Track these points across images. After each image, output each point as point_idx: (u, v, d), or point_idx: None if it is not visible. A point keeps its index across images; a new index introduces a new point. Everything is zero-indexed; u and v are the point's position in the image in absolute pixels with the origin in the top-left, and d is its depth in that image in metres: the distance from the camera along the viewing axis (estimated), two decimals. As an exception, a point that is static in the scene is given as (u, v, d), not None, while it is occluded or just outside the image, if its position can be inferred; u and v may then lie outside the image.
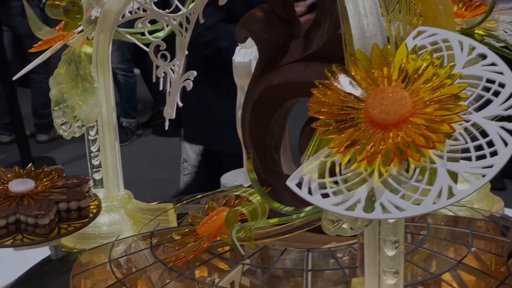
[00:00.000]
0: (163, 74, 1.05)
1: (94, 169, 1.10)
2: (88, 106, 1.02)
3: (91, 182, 1.06)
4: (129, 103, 4.95)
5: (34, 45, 1.03)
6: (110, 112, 1.07)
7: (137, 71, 5.36)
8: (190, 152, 2.68)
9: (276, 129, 1.01)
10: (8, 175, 1.05)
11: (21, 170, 1.06)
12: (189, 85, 1.05)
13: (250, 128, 0.99)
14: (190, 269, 0.93)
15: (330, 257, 0.94)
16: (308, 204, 0.80)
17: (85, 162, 1.12)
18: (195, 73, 1.05)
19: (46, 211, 0.97)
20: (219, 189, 1.13)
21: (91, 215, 1.03)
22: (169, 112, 1.07)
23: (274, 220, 0.74)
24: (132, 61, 4.93)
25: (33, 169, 1.06)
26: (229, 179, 1.36)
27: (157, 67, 1.05)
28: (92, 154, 1.10)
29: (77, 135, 1.04)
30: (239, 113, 1.19)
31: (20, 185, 1.02)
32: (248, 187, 0.93)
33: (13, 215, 0.97)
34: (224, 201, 0.86)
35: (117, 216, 1.09)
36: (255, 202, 0.79)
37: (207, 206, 0.87)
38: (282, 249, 0.94)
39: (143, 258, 1.00)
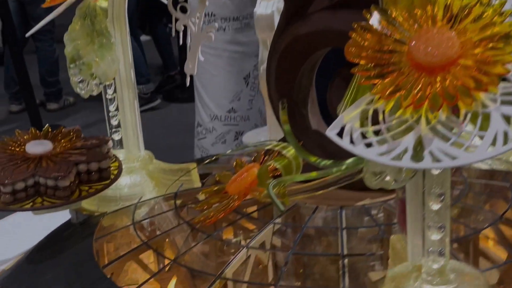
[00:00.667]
0: (182, 28, 1.01)
1: (113, 130, 1.07)
2: (105, 63, 0.98)
3: (110, 143, 1.03)
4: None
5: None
6: (128, 69, 1.03)
7: (144, 38, 5.30)
8: (205, 116, 2.65)
9: (303, 82, 0.97)
10: (25, 137, 1.01)
11: (37, 132, 1.03)
12: (211, 39, 1.00)
13: (276, 82, 0.95)
14: (218, 230, 0.89)
15: (364, 215, 0.90)
16: (341, 158, 0.76)
17: (96, 130, 1.09)
18: (216, 25, 1.01)
19: (66, 172, 0.94)
20: (243, 145, 1.10)
21: (112, 176, 0.99)
22: (190, 68, 1.02)
23: (313, 174, 0.70)
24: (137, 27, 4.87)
25: (50, 130, 1.03)
26: (252, 138, 1.32)
27: (176, 20, 1.01)
28: (110, 114, 1.06)
29: (95, 93, 1.00)
30: (261, 68, 1.14)
31: (37, 147, 0.99)
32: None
33: (31, 177, 0.94)
34: (252, 158, 0.82)
35: (138, 178, 1.06)
36: (288, 156, 0.75)
37: (234, 163, 0.84)
38: (313, 207, 0.90)
39: (167, 220, 0.97)
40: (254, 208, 0.96)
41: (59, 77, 4.75)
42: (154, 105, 4.76)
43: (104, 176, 0.99)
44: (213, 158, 1.13)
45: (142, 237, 0.92)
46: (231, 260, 0.82)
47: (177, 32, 1.02)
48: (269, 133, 1.20)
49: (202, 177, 1.09)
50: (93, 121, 4.45)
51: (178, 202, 0.98)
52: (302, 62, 0.94)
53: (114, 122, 1.06)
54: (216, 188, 0.82)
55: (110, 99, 1.06)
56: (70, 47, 1.00)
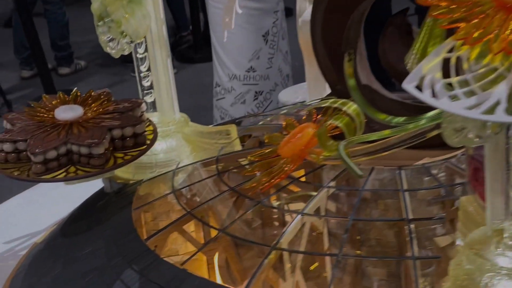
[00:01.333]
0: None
1: (145, 91, 1.01)
2: (136, 19, 0.92)
3: (144, 106, 0.97)
4: None
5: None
6: (160, 26, 0.97)
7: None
8: (223, 76, 2.59)
9: (351, 34, 0.90)
10: (53, 102, 0.95)
11: (66, 96, 0.97)
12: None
13: (323, 34, 0.89)
14: (266, 197, 0.83)
15: (424, 175, 0.84)
16: (395, 114, 0.70)
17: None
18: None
19: (100, 139, 0.88)
20: (289, 105, 1.04)
21: (147, 142, 0.94)
22: (227, 22, 0.96)
23: (387, 132, 0.64)
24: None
25: (79, 94, 0.97)
26: (288, 96, 1.26)
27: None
28: (142, 75, 1.00)
29: (126, 52, 0.94)
30: (299, 20, 1.08)
31: (67, 112, 0.93)
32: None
33: (63, 145, 0.89)
34: (304, 117, 0.76)
35: (174, 142, 1.00)
36: (350, 113, 0.69)
37: (284, 123, 0.78)
38: (368, 169, 0.84)
39: (207, 188, 0.91)
40: (301, 172, 0.90)
41: (69, 41, 4.67)
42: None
43: (139, 142, 0.93)
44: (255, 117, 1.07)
45: (184, 206, 0.86)
46: (286, 229, 0.76)
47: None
48: (308, 91, 1.14)
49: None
50: (106, 85, 4.39)
51: (220, 167, 0.92)
52: (350, 12, 0.87)
53: (146, 83, 1.00)
54: (266, 151, 0.76)
55: (141, 59, 1.00)
56: (97, 3, 0.93)
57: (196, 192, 0.91)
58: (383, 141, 0.71)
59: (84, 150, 0.89)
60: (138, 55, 0.99)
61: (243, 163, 0.94)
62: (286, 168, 0.72)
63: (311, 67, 1.12)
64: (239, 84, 2.88)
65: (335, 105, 0.70)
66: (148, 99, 1.02)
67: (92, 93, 0.97)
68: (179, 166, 0.97)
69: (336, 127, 0.70)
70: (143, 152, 0.92)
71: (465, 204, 0.72)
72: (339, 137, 0.70)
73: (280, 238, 0.75)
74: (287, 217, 0.85)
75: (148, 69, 1.00)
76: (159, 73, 0.98)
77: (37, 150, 0.87)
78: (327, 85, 1.16)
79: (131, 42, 0.93)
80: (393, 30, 0.86)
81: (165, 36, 0.98)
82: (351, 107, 0.69)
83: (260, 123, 1.07)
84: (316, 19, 0.89)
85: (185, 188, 0.91)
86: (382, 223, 0.85)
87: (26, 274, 0.93)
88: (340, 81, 0.91)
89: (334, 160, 0.70)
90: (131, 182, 0.98)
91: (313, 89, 1.14)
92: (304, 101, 1.18)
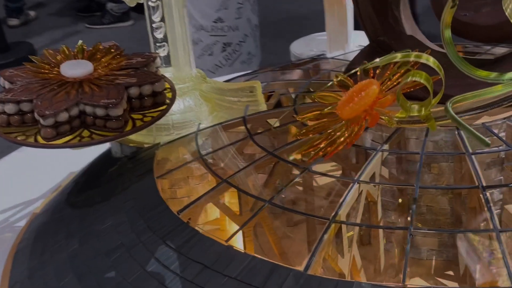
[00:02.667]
0: None
1: (158, 44, 0.91)
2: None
3: (158, 60, 0.88)
4: None
5: None
6: (176, -32, 0.87)
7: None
8: (189, 26, 2.48)
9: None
10: (57, 57, 0.86)
11: (71, 50, 0.87)
12: None
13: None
14: (313, 163, 0.76)
15: (484, 134, 0.77)
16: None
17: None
18: None
19: (118, 99, 0.79)
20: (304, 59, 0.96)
21: (167, 101, 0.85)
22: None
23: (498, 88, 0.57)
24: None
25: (85, 47, 0.87)
26: (301, 47, 1.18)
27: None
28: (154, 25, 0.91)
29: (135, 1, 0.84)
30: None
31: (75, 68, 0.84)
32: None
33: (75, 106, 0.79)
34: (371, 72, 0.68)
35: (191, 101, 0.92)
36: (432, 66, 0.61)
37: (336, 81, 0.70)
38: (423, 130, 0.77)
39: (237, 153, 0.83)
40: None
41: None
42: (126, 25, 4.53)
43: (158, 101, 0.84)
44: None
45: (217, 174, 0.78)
46: (344, 199, 0.69)
47: None
48: (328, 43, 1.06)
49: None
50: (59, 37, 4.24)
51: (250, 128, 0.85)
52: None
53: (158, 35, 0.91)
54: (320, 111, 0.68)
55: (153, 7, 0.90)
56: None
57: (226, 157, 0.83)
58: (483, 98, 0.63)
59: (100, 112, 0.80)
60: (150, 3, 0.90)
61: (273, 124, 0.86)
62: (354, 132, 0.64)
63: (332, 19, 1.05)
64: (206, 35, 2.80)
65: (411, 59, 0.62)
66: (162, 52, 0.93)
67: (101, 47, 0.88)
68: (200, 127, 0.88)
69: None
70: (164, 113, 0.84)
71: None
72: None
73: (339, 210, 0.68)
74: (337, 185, 0.78)
75: (162, 20, 0.90)
76: (175, 24, 0.89)
77: (47, 112, 0.78)
78: (349, 37, 1.09)
79: (146, -12, 0.84)
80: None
81: (180, -19, 0.88)
82: (430, 60, 0.61)
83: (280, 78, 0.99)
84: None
85: (213, 153, 0.83)
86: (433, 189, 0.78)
87: (32, 250, 0.84)
88: (385, 31, 0.84)
89: (410, 122, 0.63)
90: (145, 145, 0.90)
91: (333, 41, 1.06)
92: (322, 54, 1.10)
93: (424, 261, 0.79)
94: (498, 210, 0.78)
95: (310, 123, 0.71)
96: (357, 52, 1.08)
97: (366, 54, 0.86)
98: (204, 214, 0.79)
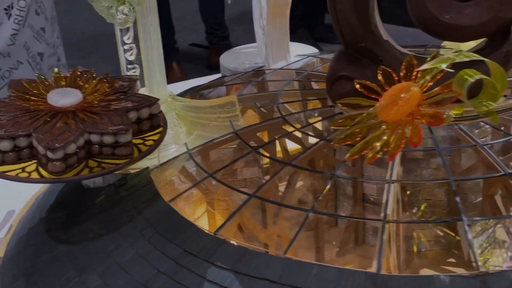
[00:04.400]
0: None
1: (129, 66, 0.90)
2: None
3: (138, 83, 0.87)
4: None
5: None
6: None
7: None
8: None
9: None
10: (40, 88, 0.82)
11: (47, 79, 0.84)
12: None
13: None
14: (338, 168, 0.79)
15: (474, 127, 0.84)
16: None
17: None
18: None
19: (126, 124, 0.77)
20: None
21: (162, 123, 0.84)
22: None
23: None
24: None
25: (62, 75, 0.84)
26: (232, 61, 1.19)
27: None
28: (125, 47, 0.89)
29: (130, 22, 0.82)
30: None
31: (65, 97, 0.81)
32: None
33: (80, 136, 0.76)
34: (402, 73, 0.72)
35: (169, 123, 0.90)
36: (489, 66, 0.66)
37: (358, 85, 0.73)
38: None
39: (248, 166, 0.84)
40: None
41: None
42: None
43: (154, 124, 0.83)
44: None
45: (242, 190, 0.79)
46: (387, 200, 0.72)
47: None
48: (269, 54, 1.09)
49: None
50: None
51: (252, 142, 0.86)
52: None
53: (130, 57, 0.89)
54: (364, 115, 0.72)
55: (125, 29, 0.88)
56: (84, -35, 0.81)
57: (238, 172, 0.83)
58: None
59: (108, 139, 0.77)
60: (118, 21, 0.88)
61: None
62: (394, 136, 0.68)
63: (274, 30, 1.08)
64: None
65: (451, 55, 0.66)
66: (132, 74, 0.91)
67: (79, 72, 0.85)
68: (192, 148, 0.88)
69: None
70: (163, 135, 0.83)
71: None
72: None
73: (386, 210, 0.71)
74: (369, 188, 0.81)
75: (133, 40, 0.89)
76: (152, 43, 0.88)
77: (57, 145, 0.74)
78: (292, 47, 1.13)
79: (132, 9, 0.82)
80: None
81: (155, 1, 0.88)
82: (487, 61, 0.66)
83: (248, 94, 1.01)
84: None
85: (223, 169, 0.83)
86: (431, 183, 0.84)
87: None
88: (369, 38, 0.88)
89: (468, 118, 0.68)
90: (132, 171, 0.88)
91: (275, 52, 1.09)
92: (262, 66, 1.13)
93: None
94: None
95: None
96: (300, 61, 1.12)
97: (346, 60, 0.89)
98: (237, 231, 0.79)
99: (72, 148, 0.76)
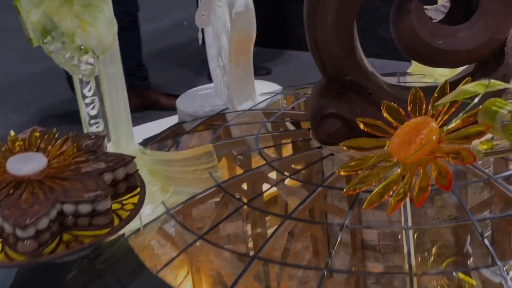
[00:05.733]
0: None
1: (91, 122, 0.80)
2: (98, 27, 0.73)
3: (106, 140, 0.77)
4: None
5: None
6: (112, 33, 0.77)
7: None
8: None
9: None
10: (-4, 155, 0.72)
11: (4, 145, 0.74)
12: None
13: (339, 18, 0.78)
14: (344, 216, 0.71)
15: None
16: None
17: None
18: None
19: (103, 189, 0.68)
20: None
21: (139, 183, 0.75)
22: (203, 19, 0.79)
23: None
24: None
25: (18, 137, 0.74)
26: (191, 105, 1.10)
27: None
28: (86, 101, 0.79)
29: (96, 72, 0.73)
30: (233, 12, 0.94)
31: (27, 163, 0.71)
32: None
33: (52, 207, 0.66)
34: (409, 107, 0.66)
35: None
36: None
37: (364, 125, 0.66)
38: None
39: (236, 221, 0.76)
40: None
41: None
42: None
43: (130, 185, 0.74)
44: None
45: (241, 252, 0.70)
46: (409, 248, 0.65)
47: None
48: (233, 92, 1.01)
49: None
50: None
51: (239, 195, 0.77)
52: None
53: (92, 111, 0.80)
54: (379, 157, 0.64)
55: (85, 81, 0.79)
56: (37, 15, 0.72)
57: (221, 227, 0.75)
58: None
59: (84, 208, 0.68)
60: (80, 76, 0.78)
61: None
62: (412, 177, 0.61)
63: (237, 69, 1.00)
64: None
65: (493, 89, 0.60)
66: (93, 130, 0.81)
67: (37, 133, 0.75)
68: (173, 209, 0.79)
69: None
70: (143, 197, 0.73)
71: None
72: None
73: (409, 260, 0.64)
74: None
75: (94, 93, 0.80)
76: (118, 94, 0.79)
77: (28, 221, 0.64)
78: (257, 85, 1.05)
79: (96, 57, 0.73)
80: (418, 4, 0.78)
81: (117, 46, 0.79)
82: None
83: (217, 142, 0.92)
84: (328, 5, 0.78)
85: (211, 231, 0.74)
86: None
87: None
88: (355, 71, 0.81)
89: (497, 152, 0.61)
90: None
91: (239, 92, 1.01)
92: (225, 108, 1.04)
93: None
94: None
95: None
96: (266, 100, 1.05)
97: (331, 96, 0.82)
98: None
99: (44, 222, 0.66)
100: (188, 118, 1.07)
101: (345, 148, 0.68)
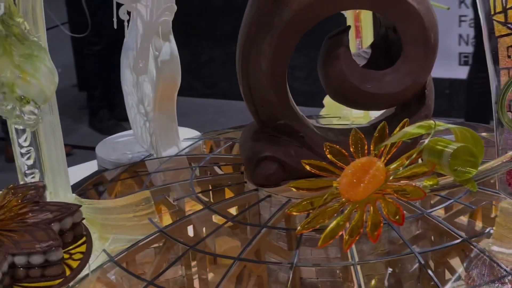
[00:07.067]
0: (127, 17, 0.78)
1: (27, 172, 0.79)
2: (39, 77, 0.73)
3: (46, 190, 0.77)
4: None
5: None
6: (53, 83, 0.77)
7: None
8: None
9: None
10: None
11: None
12: (168, 26, 0.80)
13: (273, 65, 0.81)
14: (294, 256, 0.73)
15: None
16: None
17: None
18: (175, 7, 0.80)
19: (55, 239, 0.68)
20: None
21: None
22: (142, 68, 0.80)
23: None
24: None
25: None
26: (112, 153, 1.09)
27: (119, 6, 0.78)
28: (22, 151, 0.78)
29: (41, 122, 0.73)
30: (159, 61, 0.95)
31: None
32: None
33: (4, 261, 0.66)
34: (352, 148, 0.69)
35: (78, 229, 0.80)
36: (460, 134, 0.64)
37: (320, 167, 0.70)
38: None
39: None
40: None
41: None
42: None
43: (77, 234, 0.74)
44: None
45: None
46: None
47: (120, 22, 0.79)
48: (158, 139, 1.02)
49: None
50: None
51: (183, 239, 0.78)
52: (299, 37, 0.81)
53: (28, 161, 0.79)
54: (325, 197, 0.67)
55: (20, 130, 0.78)
56: (-24, 65, 0.71)
57: (171, 277, 0.76)
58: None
59: (36, 260, 0.67)
60: (15, 126, 0.78)
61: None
62: (362, 215, 0.64)
63: (161, 116, 1.01)
64: None
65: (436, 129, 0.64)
66: (29, 181, 0.80)
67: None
68: (117, 256, 0.78)
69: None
70: (90, 245, 0.73)
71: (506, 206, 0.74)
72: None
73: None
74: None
75: (30, 143, 0.79)
76: (57, 143, 0.78)
77: (-21, 276, 0.63)
78: (183, 131, 1.06)
79: (38, 107, 0.73)
80: (346, 50, 0.82)
81: (54, 96, 0.78)
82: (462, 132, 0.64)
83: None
84: (262, 51, 0.81)
85: (161, 275, 0.75)
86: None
87: None
88: (286, 114, 0.84)
89: (445, 188, 0.65)
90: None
91: (164, 139, 1.02)
92: (149, 155, 1.05)
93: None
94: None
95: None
96: (190, 146, 1.06)
97: (265, 140, 0.85)
98: None
99: (-5, 276, 0.64)
100: (110, 165, 1.06)
101: (294, 189, 0.71)
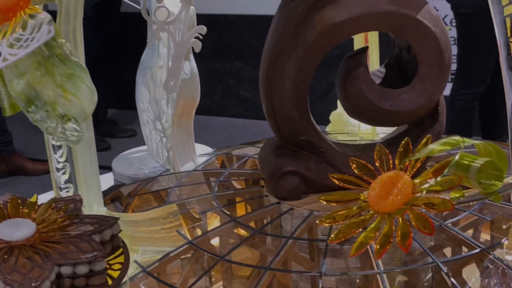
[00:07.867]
0: (160, 37, 0.82)
1: (62, 186, 0.82)
2: (81, 96, 0.76)
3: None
4: None
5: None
6: (93, 102, 0.80)
7: None
8: None
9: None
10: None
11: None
12: (198, 46, 0.83)
13: (296, 84, 0.85)
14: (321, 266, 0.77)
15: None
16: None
17: None
18: (205, 28, 0.84)
19: (99, 250, 0.71)
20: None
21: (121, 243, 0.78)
22: (172, 86, 0.84)
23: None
24: None
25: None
26: (129, 168, 1.13)
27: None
28: (58, 166, 0.82)
29: (83, 138, 0.76)
30: (180, 79, 0.98)
31: (19, 229, 0.73)
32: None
33: (52, 270, 0.69)
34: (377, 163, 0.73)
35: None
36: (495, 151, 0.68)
37: (352, 183, 0.73)
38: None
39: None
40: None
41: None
42: None
43: (115, 245, 0.77)
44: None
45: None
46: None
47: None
48: (175, 154, 1.05)
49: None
50: None
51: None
52: (322, 56, 0.85)
53: (63, 176, 0.82)
54: (355, 210, 0.71)
55: (57, 146, 0.81)
56: (20, 86, 0.74)
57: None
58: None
59: (82, 270, 0.70)
60: (51, 142, 0.81)
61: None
62: (391, 226, 0.68)
63: (179, 132, 1.05)
64: None
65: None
66: (64, 195, 0.84)
67: (16, 199, 0.77)
68: (149, 267, 0.82)
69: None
70: (128, 255, 0.76)
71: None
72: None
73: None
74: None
75: (66, 159, 0.82)
76: (85, 161, 0.81)
77: (33, 284, 0.66)
78: (198, 148, 1.10)
79: (78, 125, 0.76)
80: (365, 70, 0.87)
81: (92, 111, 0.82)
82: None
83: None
84: (287, 70, 0.85)
85: (195, 283, 0.78)
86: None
87: None
88: (307, 131, 0.88)
89: (469, 200, 0.69)
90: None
91: (182, 154, 1.05)
92: (166, 170, 1.08)
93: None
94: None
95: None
96: (206, 161, 1.10)
97: (287, 155, 0.89)
98: None
99: (46, 285, 0.67)
100: (127, 180, 1.09)
101: (323, 201, 0.74)
